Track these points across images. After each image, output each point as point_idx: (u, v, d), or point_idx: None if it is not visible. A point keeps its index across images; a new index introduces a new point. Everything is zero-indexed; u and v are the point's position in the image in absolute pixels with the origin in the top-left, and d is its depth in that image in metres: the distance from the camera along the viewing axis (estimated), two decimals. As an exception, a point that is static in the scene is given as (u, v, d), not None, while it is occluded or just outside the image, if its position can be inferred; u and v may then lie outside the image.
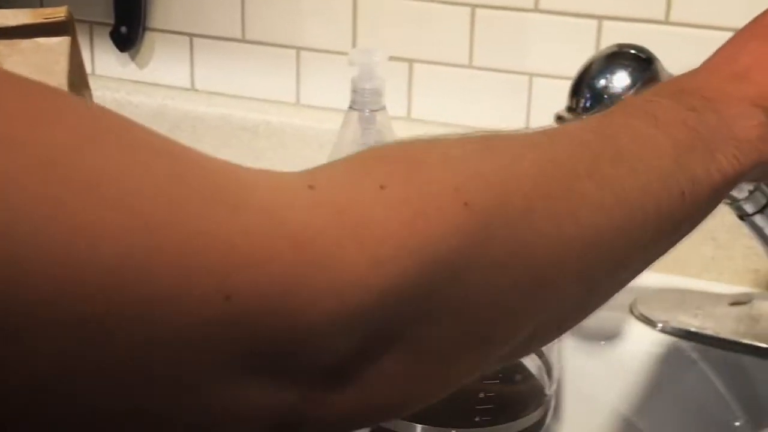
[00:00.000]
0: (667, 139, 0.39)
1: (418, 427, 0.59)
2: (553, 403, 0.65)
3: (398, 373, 0.29)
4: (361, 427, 0.30)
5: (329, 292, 0.26)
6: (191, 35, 0.98)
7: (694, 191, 0.39)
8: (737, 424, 0.72)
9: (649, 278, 0.64)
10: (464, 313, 0.30)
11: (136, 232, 0.23)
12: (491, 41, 0.87)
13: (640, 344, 0.76)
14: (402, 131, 0.82)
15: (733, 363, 0.75)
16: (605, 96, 0.60)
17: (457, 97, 0.90)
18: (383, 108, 0.77)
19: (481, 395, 0.60)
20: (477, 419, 0.60)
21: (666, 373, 0.75)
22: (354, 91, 0.77)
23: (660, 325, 0.77)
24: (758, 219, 0.67)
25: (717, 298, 0.81)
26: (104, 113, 0.26)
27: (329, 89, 0.93)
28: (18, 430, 0.24)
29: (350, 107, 0.77)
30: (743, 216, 0.67)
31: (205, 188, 0.26)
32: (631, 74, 0.58)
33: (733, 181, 0.41)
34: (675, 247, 0.41)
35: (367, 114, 0.77)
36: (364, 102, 0.77)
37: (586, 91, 0.60)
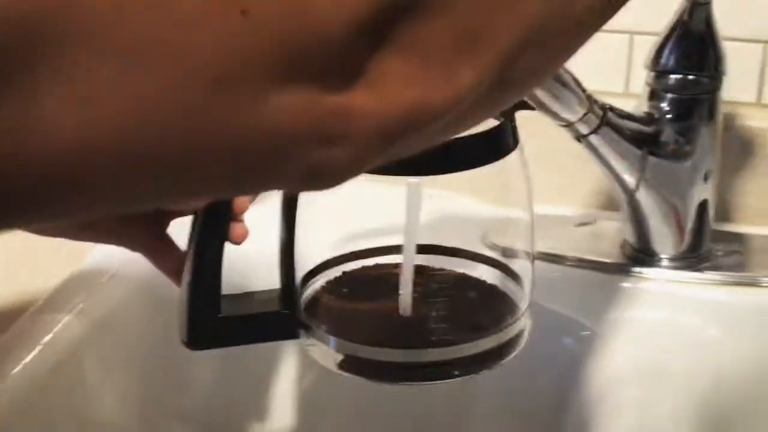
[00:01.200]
0: None
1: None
2: (529, 321, 0.62)
3: (404, 73, 0.30)
4: (389, 141, 0.31)
5: None
6: None
7: None
8: (584, 333, 0.77)
9: (500, 210, 0.68)
10: (449, 8, 0.31)
11: None
12: None
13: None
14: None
15: (579, 278, 0.81)
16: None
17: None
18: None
19: (433, 314, 0.59)
20: (434, 339, 0.57)
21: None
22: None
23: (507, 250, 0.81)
24: (593, 139, 0.72)
25: (564, 221, 0.87)
26: None
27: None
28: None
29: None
30: (579, 137, 0.72)
31: None
32: None
33: None
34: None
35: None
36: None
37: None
